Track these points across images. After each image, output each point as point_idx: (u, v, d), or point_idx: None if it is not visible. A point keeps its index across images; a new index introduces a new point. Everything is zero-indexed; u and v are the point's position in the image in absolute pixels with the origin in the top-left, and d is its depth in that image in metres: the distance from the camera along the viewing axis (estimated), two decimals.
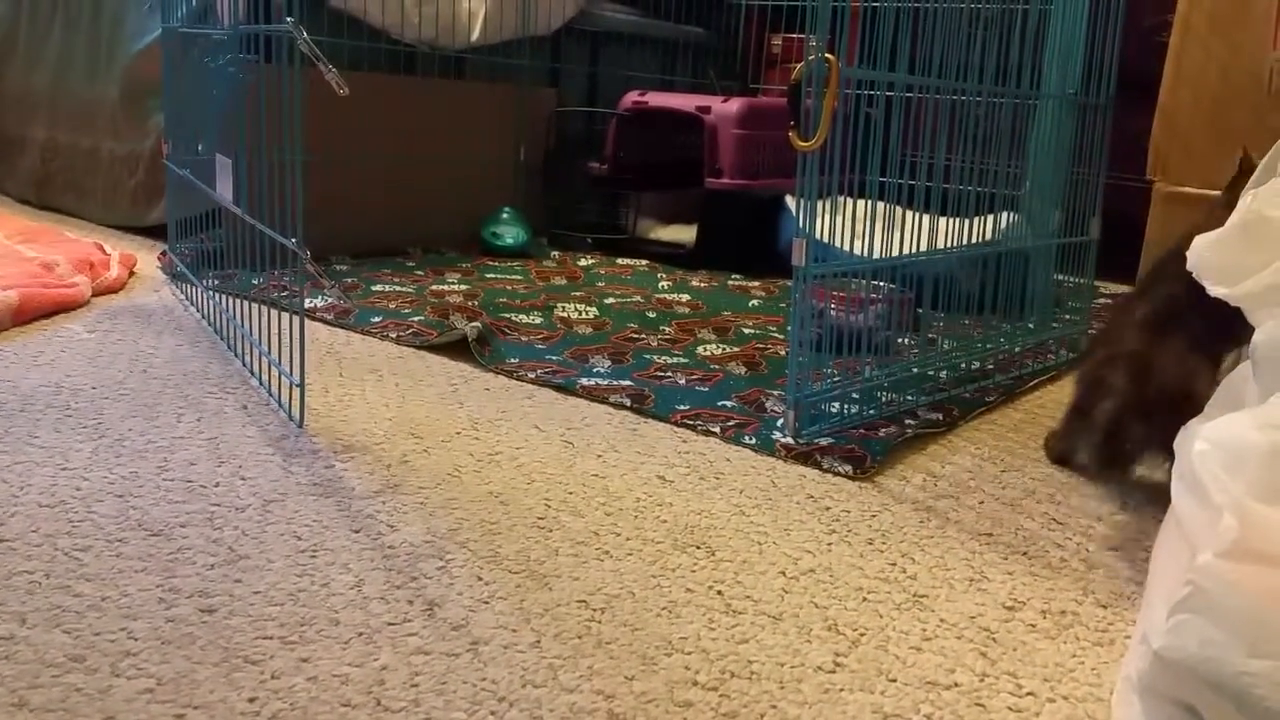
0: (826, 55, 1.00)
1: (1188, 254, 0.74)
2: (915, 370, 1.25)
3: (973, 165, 1.25)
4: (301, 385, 1.03)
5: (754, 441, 1.06)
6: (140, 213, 1.99)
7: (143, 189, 1.97)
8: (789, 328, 1.55)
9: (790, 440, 1.06)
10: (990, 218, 1.33)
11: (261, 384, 1.16)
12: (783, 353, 1.42)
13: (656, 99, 2.07)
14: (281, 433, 1.02)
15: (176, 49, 1.56)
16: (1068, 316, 1.54)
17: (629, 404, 1.16)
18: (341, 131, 1.77)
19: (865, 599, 0.76)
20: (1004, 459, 1.08)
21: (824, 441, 1.06)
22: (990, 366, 1.37)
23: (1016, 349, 1.42)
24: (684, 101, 2.03)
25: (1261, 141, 1.53)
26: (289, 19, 0.93)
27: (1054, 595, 0.78)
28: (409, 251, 1.97)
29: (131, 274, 1.66)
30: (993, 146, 1.33)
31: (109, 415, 1.03)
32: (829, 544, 0.85)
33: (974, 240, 1.28)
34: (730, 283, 1.91)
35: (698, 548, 0.82)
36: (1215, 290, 0.71)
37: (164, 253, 1.74)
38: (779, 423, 1.11)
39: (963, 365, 1.34)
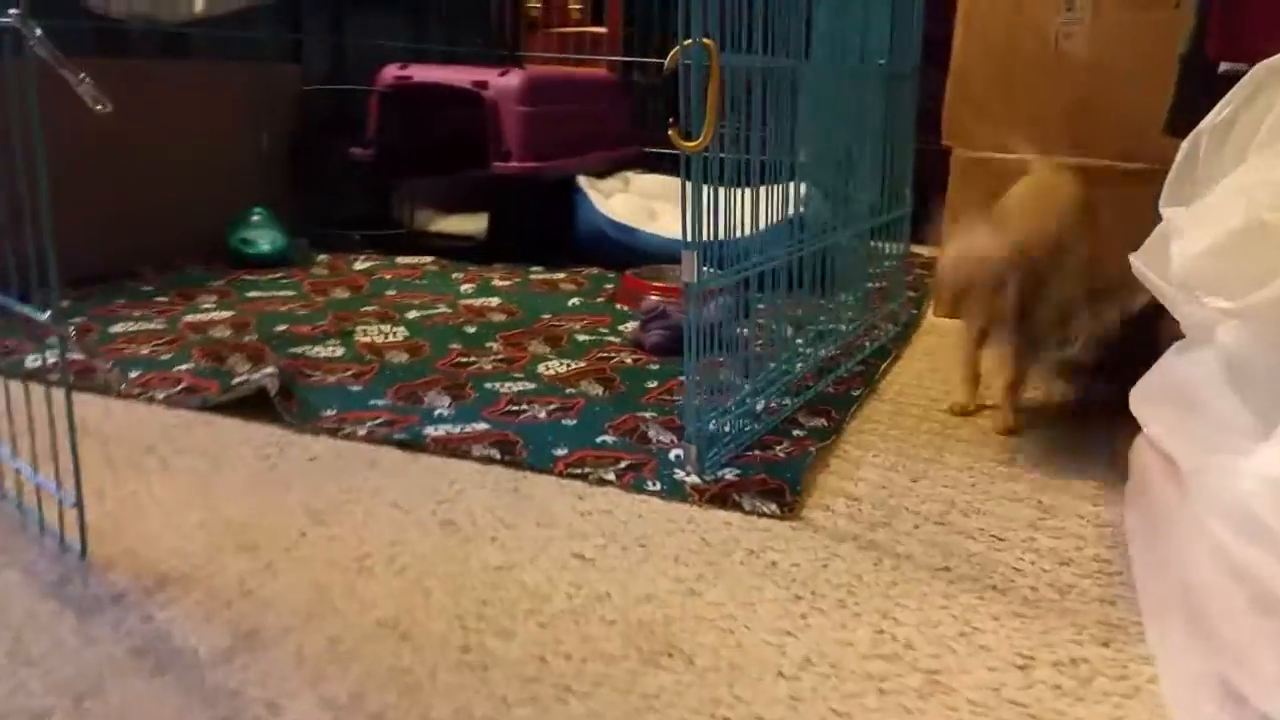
0: (705, 40, 0.86)
1: (1174, 267, 0.67)
2: (774, 367, 1.15)
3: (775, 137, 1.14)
4: (80, 504, 0.77)
5: (659, 487, 0.92)
6: None
7: None
8: (622, 328, 1.42)
9: (697, 479, 0.93)
10: (790, 187, 1.24)
11: (10, 497, 0.88)
12: (629, 361, 1.29)
13: (421, 72, 1.84)
14: (60, 573, 0.76)
15: None
16: (884, 286, 1.51)
17: (498, 456, 0.98)
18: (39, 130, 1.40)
19: (880, 690, 0.65)
20: (905, 465, 1.02)
21: (731, 475, 0.95)
22: (836, 352, 1.31)
23: (854, 329, 1.37)
24: (455, 75, 1.80)
25: (1050, 105, 1.58)
26: (12, 11, 0.66)
27: (1052, 641, 0.71)
28: (140, 272, 1.63)
29: None
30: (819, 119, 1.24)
31: None
32: (803, 617, 0.73)
33: (788, 214, 1.18)
34: (534, 277, 1.73)
35: (669, 655, 0.68)
36: (1213, 304, 0.65)
37: None
38: (674, 456, 0.98)
39: (818, 354, 1.26)
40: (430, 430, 1.03)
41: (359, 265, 1.77)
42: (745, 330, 1.26)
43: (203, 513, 0.87)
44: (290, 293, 1.57)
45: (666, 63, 0.87)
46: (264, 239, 1.73)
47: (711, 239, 0.93)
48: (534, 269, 1.78)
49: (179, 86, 1.69)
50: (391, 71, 1.85)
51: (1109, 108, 1.43)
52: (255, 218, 1.74)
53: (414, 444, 1.00)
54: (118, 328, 1.35)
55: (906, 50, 1.40)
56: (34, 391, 0.86)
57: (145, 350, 1.26)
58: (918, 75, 1.44)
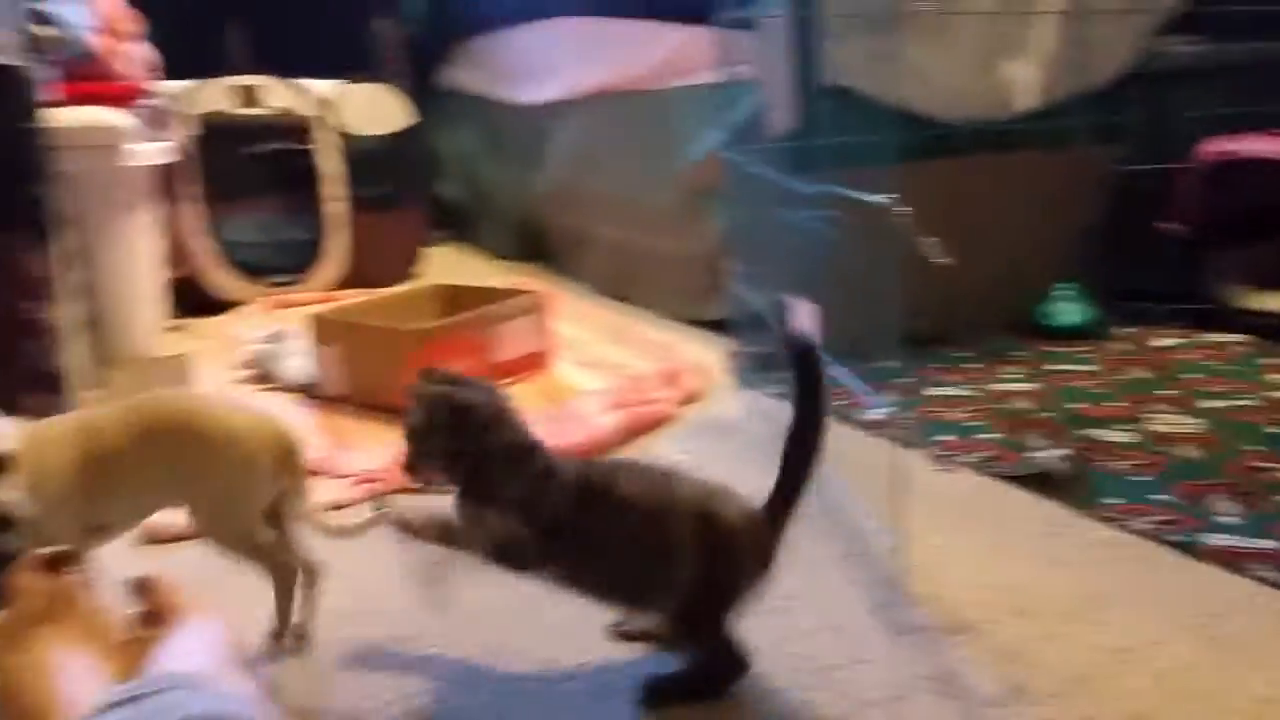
0: None
1: None
2: None
3: None
4: (901, 547, 1.02)
5: None
6: (701, 308, 2.16)
7: (701, 286, 2.13)
8: None
9: None
10: None
11: (851, 527, 1.18)
12: None
13: (1252, 145, 1.78)
14: (884, 597, 1.02)
15: (733, 167, 1.65)
16: None
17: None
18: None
19: None
20: None
21: None
22: None
23: None
24: None
25: None
26: (890, 196, 0.92)
27: None
28: (955, 339, 1.90)
29: (705, 381, 1.80)
30: None
31: None
32: None
33: None
34: None
35: None
36: None
37: (731, 355, 1.87)
38: None
39: None
40: (1209, 538, 1.06)
41: (1162, 341, 1.80)
42: None
43: (990, 574, 1.05)
44: (1090, 368, 1.68)
45: None
46: (1070, 312, 1.87)
47: None
48: None
49: (999, 177, 1.91)
50: (1214, 145, 1.82)
51: None
52: (1063, 291, 1.89)
53: (1188, 548, 1.06)
54: (935, 391, 1.62)
55: None
56: (870, 441, 1.14)
57: (956, 415, 1.50)
58: None
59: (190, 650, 0.64)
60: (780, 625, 0.96)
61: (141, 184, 2.00)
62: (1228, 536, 1.07)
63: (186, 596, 0.72)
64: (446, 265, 3.13)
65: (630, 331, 2.11)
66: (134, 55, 2.13)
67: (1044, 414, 1.46)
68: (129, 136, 1.89)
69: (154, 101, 2.21)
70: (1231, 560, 1.02)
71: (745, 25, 1.56)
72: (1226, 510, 1.13)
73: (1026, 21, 1.93)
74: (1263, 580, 0.99)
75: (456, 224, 3.56)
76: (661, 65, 2.28)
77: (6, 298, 1.04)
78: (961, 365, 1.75)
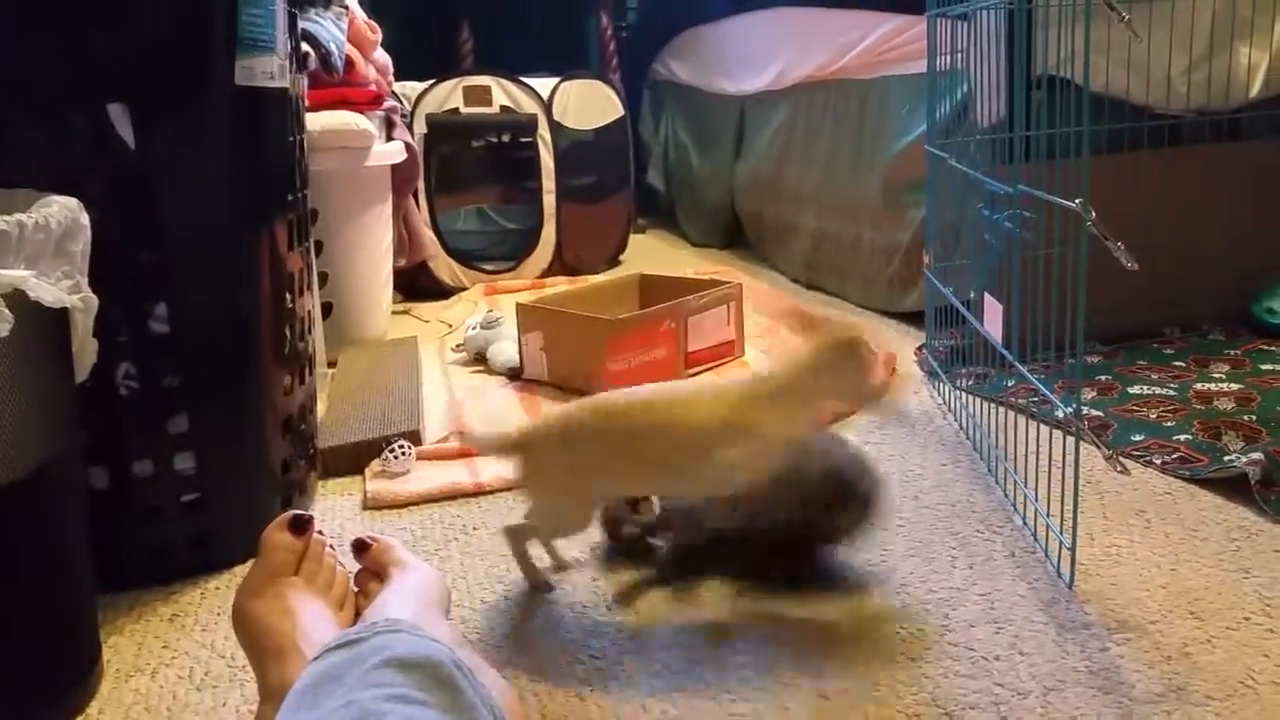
0: None
1: None
2: None
3: None
4: (1074, 546, 1.05)
5: None
6: (896, 299, 2.18)
7: (898, 278, 2.16)
8: None
9: None
10: None
11: (1025, 523, 1.20)
12: None
13: None
14: (1052, 594, 1.05)
15: (936, 160, 1.67)
16: None
17: None
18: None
19: None
20: None
21: None
22: None
23: None
24: None
25: None
26: (1078, 200, 0.95)
27: None
28: (1166, 334, 1.84)
29: (893, 373, 1.84)
30: None
31: (892, 552, 1.16)
32: None
33: None
34: None
35: None
36: None
37: (920, 348, 1.89)
38: None
39: None
40: None
41: None
42: None
43: (1166, 575, 1.06)
44: None
45: None
46: None
47: None
48: None
49: (1223, 168, 1.83)
50: None
51: None
52: None
53: None
54: (1134, 389, 1.58)
55: None
56: (1055, 438, 1.16)
57: (1153, 415, 1.47)
58: None
59: (401, 602, 0.78)
60: (944, 616, 1.02)
61: (379, 181, 2.24)
62: None
63: (403, 555, 0.87)
64: (650, 252, 3.27)
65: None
66: (376, 62, 2.37)
67: (1245, 415, 1.41)
68: (371, 138, 2.11)
69: (391, 103, 2.45)
70: None
71: (958, 15, 1.57)
72: None
73: (1259, 6, 1.82)
74: None
75: (662, 212, 3.70)
76: (870, 54, 2.30)
77: (269, 291, 1.23)
78: (1169, 363, 1.70)
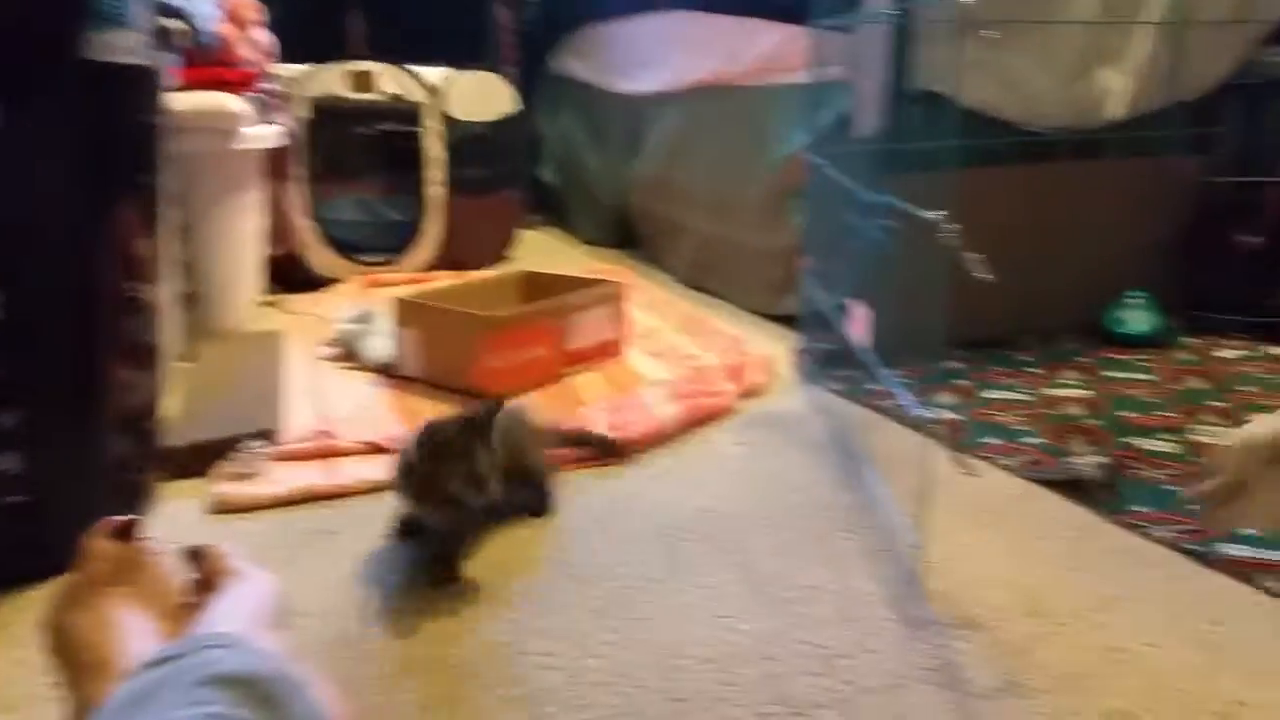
0: None
1: None
2: None
3: None
4: (924, 546, 1.08)
5: None
6: (775, 302, 2.22)
7: (778, 281, 2.19)
8: None
9: None
10: None
11: (882, 523, 1.24)
12: None
13: None
14: (900, 591, 1.08)
15: (814, 168, 1.70)
16: None
17: None
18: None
19: None
20: None
21: None
22: None
23: None
24: None
25: None
26: (940, 213, 0.98)
27: None
28: (1022, 343, 1.92)
29: (769, 375, 1.86)
30: None
31: (754, 550, 1.18)
32: None
33: None
34: None
35: None
36: None
37: (802, 350, 1.92)
38: None
39: None
40: (1227, 548, 1.09)
41: (1224, 353, 1.79)
42: None
43: (1010, 573, 1.10)
44: (1145, 376, 1.69)
45: None
46: (1139, 320, 1.87)
47: None
48: None
49: (1083, 185, 1.92)
50: None
51: None
52: (1132, 300, 1.89)
53: (1204, 557, 1.09)
54: (990, 393, 1.65)
55: None
56: (913, 441, 1.19)
57: (1006, 419, 1.53)
58: None
59: (231, 613, 0.73)
60: (796, 614, 1.04)
61: (251, 165, 2.16)
62: (1244, 548, 1.10)
63: (237, 564, 0.81)
64: (540, 249, 3.25)
65: (704, 323, 2.18)
66: (255, 42, 2.28)
67: (1092, 420, 1.49)
68: (244, 120, 2.04)
69: (270, 85, 2.37)
70: (1242, 570, 1.06)
71: (841, 28, 1.61)
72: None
73: (1125, 31, 1.92)
74: (1268, 590, 1.02)
75: (552, 208, 3.68)
76: (759, 62, 2.33)
77: (113, 278, 1.17)
78: (1023, 369, 1.78)
